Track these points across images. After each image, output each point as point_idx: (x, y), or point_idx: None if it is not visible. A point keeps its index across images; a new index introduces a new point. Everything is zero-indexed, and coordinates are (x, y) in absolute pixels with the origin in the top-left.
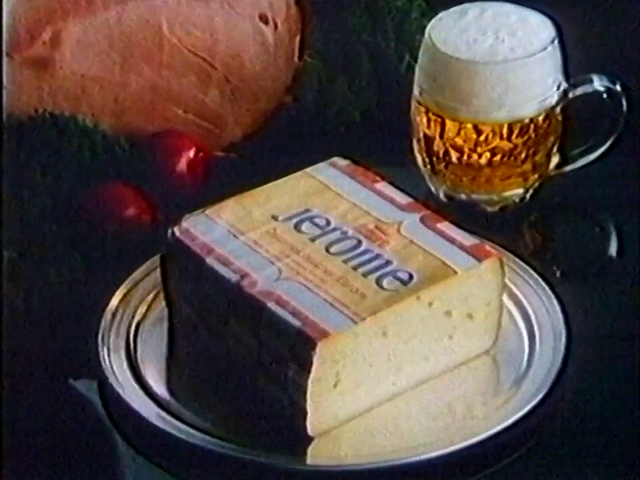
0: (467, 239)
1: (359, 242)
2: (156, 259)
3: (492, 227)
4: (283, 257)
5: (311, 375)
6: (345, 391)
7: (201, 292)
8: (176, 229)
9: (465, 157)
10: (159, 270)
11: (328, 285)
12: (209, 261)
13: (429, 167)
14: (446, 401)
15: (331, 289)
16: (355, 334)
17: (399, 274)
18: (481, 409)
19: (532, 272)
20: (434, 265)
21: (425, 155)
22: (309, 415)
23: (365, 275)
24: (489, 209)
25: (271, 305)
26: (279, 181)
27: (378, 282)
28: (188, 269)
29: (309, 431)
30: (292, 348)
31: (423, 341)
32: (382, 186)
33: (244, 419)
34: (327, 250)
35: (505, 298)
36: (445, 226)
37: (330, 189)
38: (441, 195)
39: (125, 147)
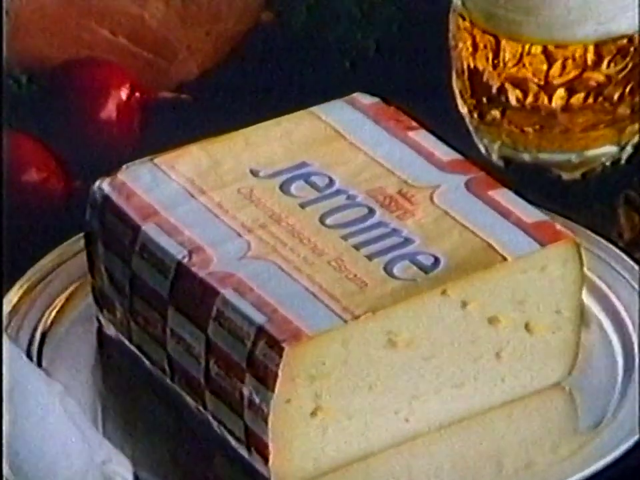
0: (530, 214)
1: (371, 211)
2: (71, 244)
3: (569, 201)
4: (255, 228)
5: (274, 395)
6: (329, 424)
7: (132, 276)
8: (106, 183)
9: (531, 98)
10: (75, 259)
11: (314, 268)
12: (147, 228)
13: (476, 114)
14: (487, 453)
15: (317, 274)
16: (344, 338)
17: (420, 257)
18: (541, 467)
19: (629, 265)
20: (473, 247)
21: (469, 96)
22: (271, 455)
23: (370, 256)
24: (566, 176)
25: (226, 292)
26: (269, 122)
27: (387, 267)
28: (118, 244)
29: None
30: (250, 355)
31: (452, 359)
32: (418, 136)
33: (186, 461)
34: (322, 221)
35: (588, 301)
36: (501, 194)
37: (342, 137)
38: (494, 156)
39: (21, 81)
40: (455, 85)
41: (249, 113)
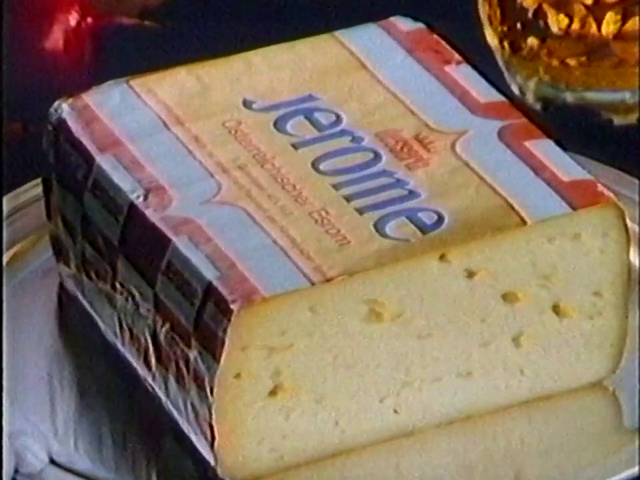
0: (568, 171)
1: (376, 157)
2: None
3: (622, 150)
4: (232, 168)
5: (220, 367)
6: (293, 408)
7: (84, 218)
8: (65, 104)
9: (576, 23)
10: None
11: (290, 219)
12: (102, 161)
13: (507, 45)
14: (497, 459)
15: (293, 226)
16: (312, 303)
17: (421, 214)
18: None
19: None
20: (488, 206)
21: (500, 23)
22: (216, 440)
23: (361, 210)
24: (618, 120)
25: (178, 241)
26: (280, 45)
27: (378, 224)
28: (71, 179)
29: (220, 473)
30: (197, 317)
31: (455, 340)
32: (457, 71)
33: (132, 443)
34: (314, 165)
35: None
36: (538, 146)
37: (364, 67)
38: (530, 96)
39: None
40: (482, 10)
41: (252, 39)
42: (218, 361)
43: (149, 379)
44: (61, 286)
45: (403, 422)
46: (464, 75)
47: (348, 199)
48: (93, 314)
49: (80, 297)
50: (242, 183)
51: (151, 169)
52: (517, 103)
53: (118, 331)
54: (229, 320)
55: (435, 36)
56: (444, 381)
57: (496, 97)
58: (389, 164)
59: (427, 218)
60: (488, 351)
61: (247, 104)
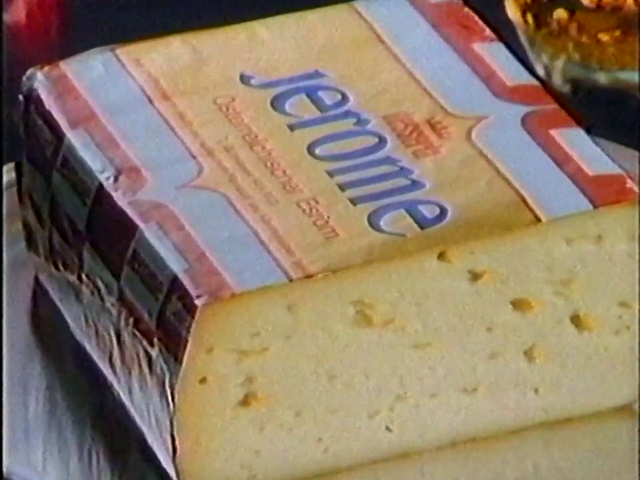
0: (596, 164)
1: (381, 142)
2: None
3: None
4: (218, 150)
5: (182, 369)
6: (268, 420)
7: (52, 201)
8: (40, 73)
9: None
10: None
11: (275, 208)
12: (73, 136)
13: (532, 20)
14: None
15: (277, 216)
16: (290, 302)
17: (422, 207)
18: None
19: None
20: (499, 201)
21: None
22: (178, 454)
23: (355, 200)
24: None
25: (146, 228)
26: (290, 14)
27: (373, 216)
28: (41, 156)
29: None
30: (161, 313)
31: (457, 351)
32: (486, 49)
33: (97, 455)
34: (310, 149)
35: None
36: (565, 135)
37: (381, 42)
38: (557, 78)
39: None
40: None
41: (258, 8)
42: (180, 363)
43: (115, 384)
44: (36, 278)
45: (397, 441)
46: (493, 53)
47: (342, 187)
48: (62, 309)
49: (50, 290)
50: (226, 167)
51: (126, 148)
52: (550, 87)
53: (85, 328)
54: (193, 317)
55: (467, 9)
56: (444, 397)
57: (526, 79)
58: (394, 150)
59: (428, 211)
60: (496, 364)
61: (244, 79)
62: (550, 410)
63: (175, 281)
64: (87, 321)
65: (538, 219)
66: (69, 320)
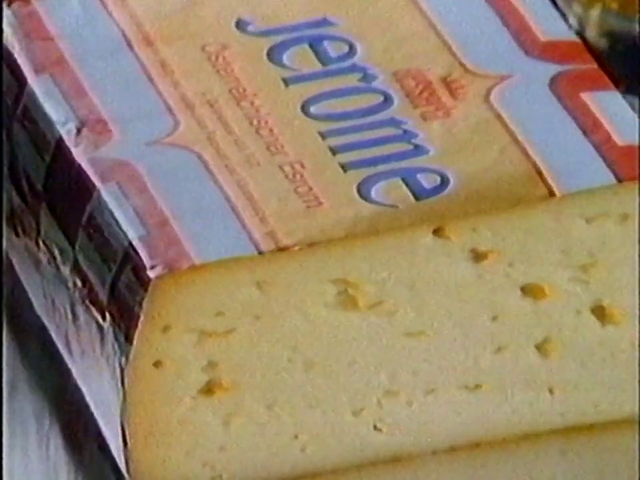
0: (629, 132)
1: (386, 101)
2: None
3: None
4: (199, 104)
5: (133, 350)
6: (234, 413)
7: (12, 156)
8: (8, 11)
9: None
10: None
11: (254, 172)
12: (36, 83)
13: None
14: None
15: (255, 180)
16: (259, 278)
17: (421, 176)
18: None
19: None
20: (511, 171)
21: None
22: (129, 445)
23: (346, 166)
24: None
25: (104, 189)
26: None
27: (363, 184)
28: (3, 107)
29: None
30: (113, 284)
31: (457, 342)
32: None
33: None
34: (304, 107)
35: None
36: (598, 99)
37: None
38: (592, 30)
39: None
40: None
41: None
42: (131, 342)
43: (71, 365)
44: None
45: (387, 443)
46: (530, 3)
47: (334, 150)
48: (24, 283)
49: (14, 262)
50: (206, 123)
51: (95, 97)
52: (591, 45)
53: (43, 303)
54: (146, 290)
55: None
56: (442, 394)
57: (563, 34)
58: (400, 111)
59: (427, 181)
60: (502, 358)
61: (240, 25)
62: (567, 414)
63: (129, 248)
64: (45, 295)
65: (552, 193)
66: (31, 295)
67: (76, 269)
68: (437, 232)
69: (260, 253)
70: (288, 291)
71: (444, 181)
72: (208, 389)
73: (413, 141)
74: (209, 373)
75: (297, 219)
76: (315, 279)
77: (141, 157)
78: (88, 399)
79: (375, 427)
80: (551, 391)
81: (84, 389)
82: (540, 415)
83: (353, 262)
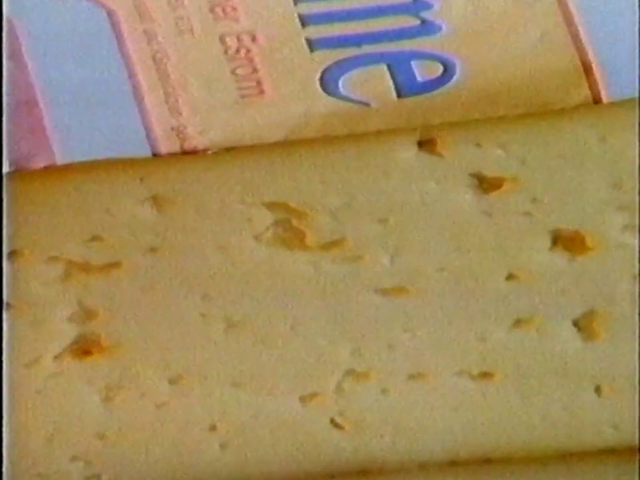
0: None
1: None
2: None
3: None
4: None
5: None
6: (120, 385)
7: None
8: None
9: None
10: None
11: (182, 41)
12: None
13: None
14: None
15: (180, 53)
16: (153, 190)
17: (416, 63)
18: None
19: None
20: (546, 63)
21: None
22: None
23: (315, 42)
24: None
25: None
26: None
27: (331, 71)
28: None
29: None
30: None
31: (461, 310)
32: None
33: None
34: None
35: None
36: None
37: None
38: None
39: None
40: None
41: None
42: None
43: None
44: None
45: (349, 446)
46: None
47: (304, 21)
48: None
49: None
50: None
51: None
52: None
53: None
54: None
55: None
56: (432, 381)
57: None
58: None
59: (424, 71)
60: (522, 336)
61: None
62: (618, 421)
63: None
64: None
65: (597, 99)
66: None
67: None
68: (424, 145)
69: (155, 155)
70: (197, 213)
71: (447, 72)
72: (80, 349)
73: (421, 13)
74: (80, 325)
75: (221, 111)
76: (237, 199)
77: (29, 12)
78: None
79: (333, 422)
80: (597, 389)
81: None
82: (580, 422)
83: (296, 179)
